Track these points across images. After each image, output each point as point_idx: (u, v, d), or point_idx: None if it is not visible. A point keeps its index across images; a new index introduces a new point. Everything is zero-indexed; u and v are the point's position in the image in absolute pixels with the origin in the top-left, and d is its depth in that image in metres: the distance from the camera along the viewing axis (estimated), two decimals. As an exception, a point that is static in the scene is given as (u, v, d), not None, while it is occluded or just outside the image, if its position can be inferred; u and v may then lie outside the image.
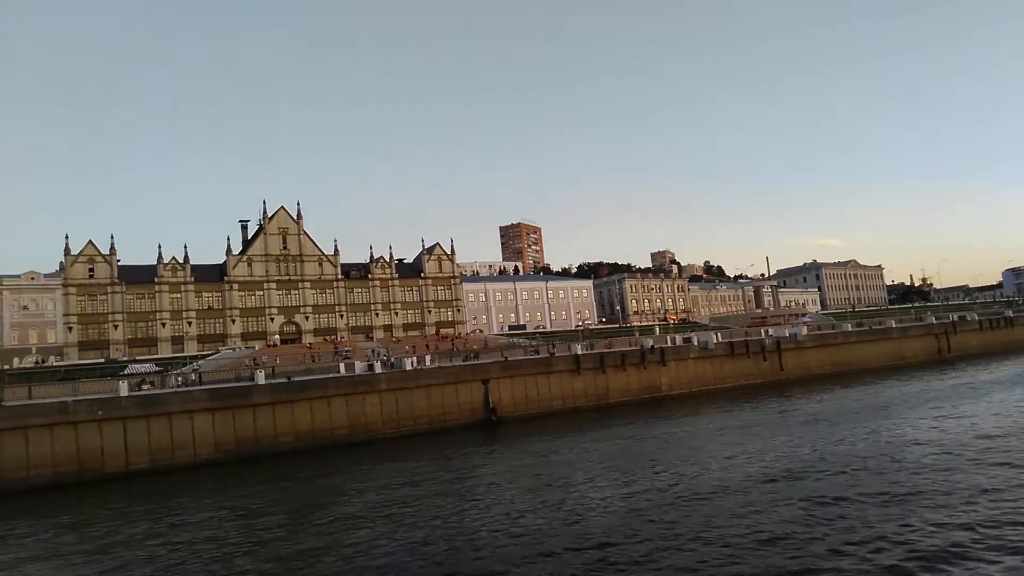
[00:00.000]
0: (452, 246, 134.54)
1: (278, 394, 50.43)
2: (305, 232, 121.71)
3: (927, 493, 26.42)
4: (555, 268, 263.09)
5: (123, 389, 45.18)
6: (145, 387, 48.95)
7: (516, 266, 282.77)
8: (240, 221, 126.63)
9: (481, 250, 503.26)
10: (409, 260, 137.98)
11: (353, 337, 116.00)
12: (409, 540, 25.39)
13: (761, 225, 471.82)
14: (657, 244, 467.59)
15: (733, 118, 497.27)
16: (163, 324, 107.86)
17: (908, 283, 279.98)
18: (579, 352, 64.28)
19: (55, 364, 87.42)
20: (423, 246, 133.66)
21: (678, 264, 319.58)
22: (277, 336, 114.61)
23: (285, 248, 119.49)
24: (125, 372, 59.31)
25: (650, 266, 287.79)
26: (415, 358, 58.31)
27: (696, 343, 71.04)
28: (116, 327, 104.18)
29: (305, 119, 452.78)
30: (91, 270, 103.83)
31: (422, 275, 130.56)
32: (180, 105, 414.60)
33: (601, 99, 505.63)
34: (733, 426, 48.44)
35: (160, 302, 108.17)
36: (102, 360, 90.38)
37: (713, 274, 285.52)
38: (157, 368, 60.24)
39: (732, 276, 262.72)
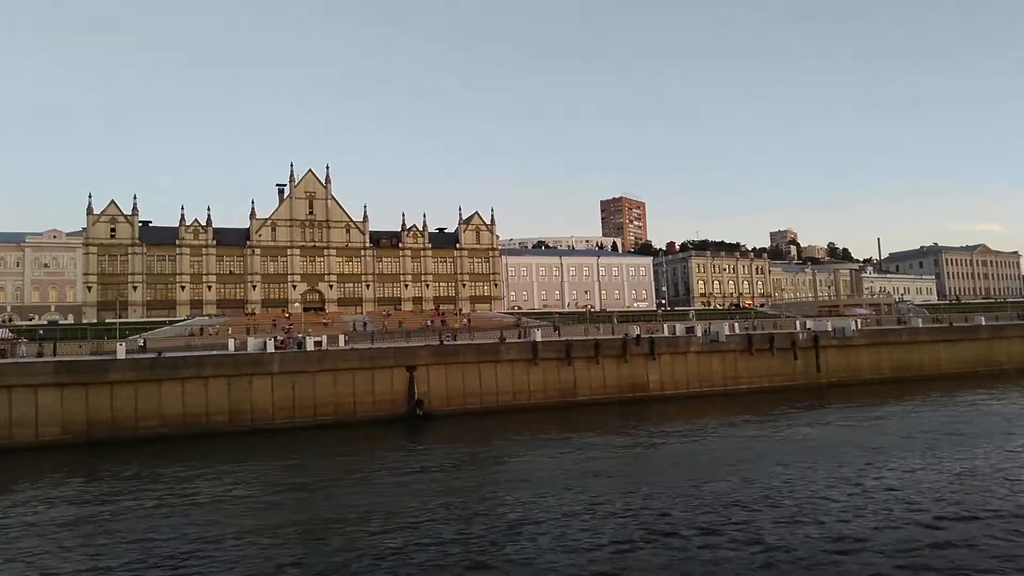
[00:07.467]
0: (492, 216, 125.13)
1: (142, 371, 43.55)
2: (333, 197, 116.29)
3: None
4: (658, 245, 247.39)
5: (-49, 357, 39.84)
6: (-11, 355, 43.73)
7: (615, 242, 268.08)
8: (277, 185, 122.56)
9: (581, 225, 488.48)
10: (452, 230, 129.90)
11: (343, 308, 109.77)
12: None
13: (903, 206, 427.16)
14: (778, 223, 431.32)
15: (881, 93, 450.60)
16: (182, 287, 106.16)
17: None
18: (538, 339, 53.31)
19: None
20: (460, 217, 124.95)
21: (797, 245, 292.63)
22: (298, 304, 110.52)
23: (311, 213, 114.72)
24: (-30, 338, 55.18)
25: (766, 246, 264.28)
26: (324, 337, 49.76)
27: (700, 334, 57.89)
28: (135, 288, 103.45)
29: (382, 76, 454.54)
30: (113, 230, 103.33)
31: (457, 246, 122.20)
32: (212, 63, 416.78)
33: (735, 67, 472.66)
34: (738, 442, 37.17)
35: (180, 265, 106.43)
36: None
37: (837, 257, 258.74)
38: (10, 335, 55.78)
39: (860, 260, 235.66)
